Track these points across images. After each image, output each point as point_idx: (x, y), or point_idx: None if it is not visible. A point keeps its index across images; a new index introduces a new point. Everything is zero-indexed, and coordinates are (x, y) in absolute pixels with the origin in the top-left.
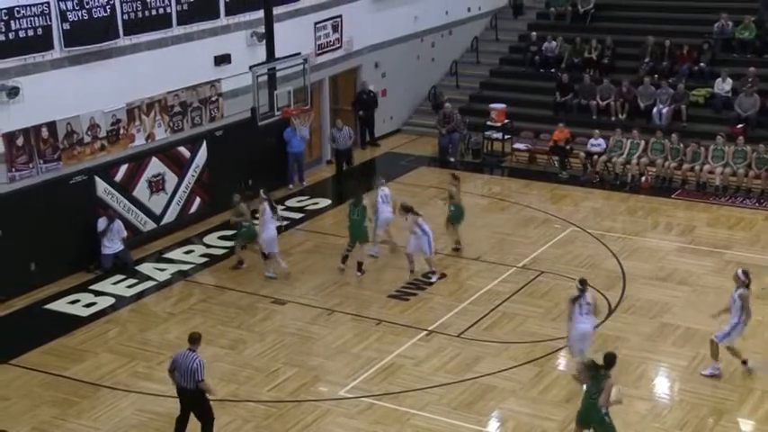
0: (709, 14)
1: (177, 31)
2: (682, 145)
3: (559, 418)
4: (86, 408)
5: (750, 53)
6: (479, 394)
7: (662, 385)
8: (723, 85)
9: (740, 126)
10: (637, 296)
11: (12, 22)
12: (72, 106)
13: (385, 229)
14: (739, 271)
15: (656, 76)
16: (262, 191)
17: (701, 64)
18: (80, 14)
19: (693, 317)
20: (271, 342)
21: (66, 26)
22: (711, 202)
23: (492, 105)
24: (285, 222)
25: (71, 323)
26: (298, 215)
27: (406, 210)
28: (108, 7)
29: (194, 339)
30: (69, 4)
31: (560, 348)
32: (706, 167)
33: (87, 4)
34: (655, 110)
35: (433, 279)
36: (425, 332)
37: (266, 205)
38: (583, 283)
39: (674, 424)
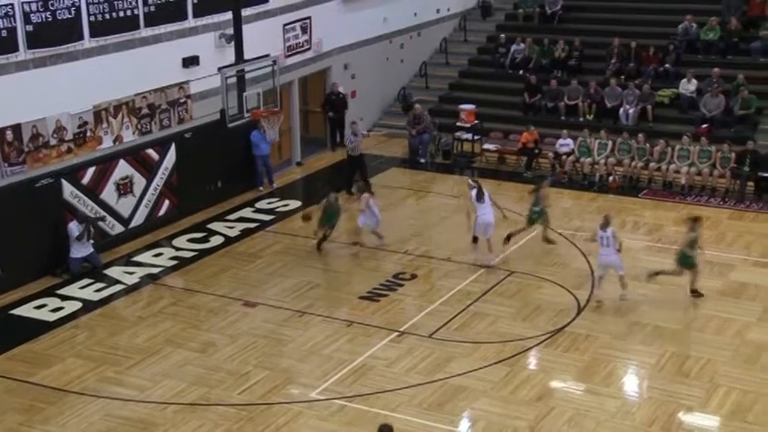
0: (675, 16)
1: (145, 32)
2: (648, 145)
3: (530, 417)
4: (53, 414)
5: (714, 54)
6: (451, 394)
7: (631, 383)
8: (688, 86)
9: (705, 126)
10: (605, 295)
11: None
12: (38, 108)
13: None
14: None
15: (622, 77)
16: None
17: (667, 65)
18: (44, 16)
19: (661, 315)
20: (241, 345)
21: (30, 28)
22: (677, 201)
23: (461, 106)
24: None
25: (38, 328)
26: (268, 217)
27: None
28: (73, 9)
29: None
30: (33, 6)
31: (530, 348)
32: (672, 167)
33: (52, 5)
34: (621, 110)
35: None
36: (397, 333)
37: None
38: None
39: (644, 421)
